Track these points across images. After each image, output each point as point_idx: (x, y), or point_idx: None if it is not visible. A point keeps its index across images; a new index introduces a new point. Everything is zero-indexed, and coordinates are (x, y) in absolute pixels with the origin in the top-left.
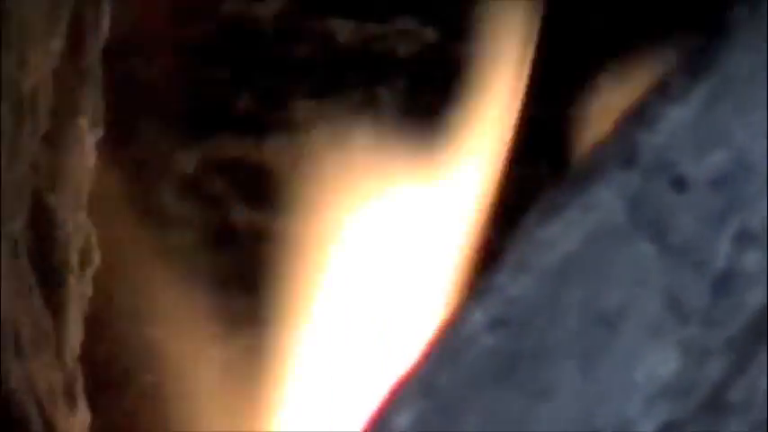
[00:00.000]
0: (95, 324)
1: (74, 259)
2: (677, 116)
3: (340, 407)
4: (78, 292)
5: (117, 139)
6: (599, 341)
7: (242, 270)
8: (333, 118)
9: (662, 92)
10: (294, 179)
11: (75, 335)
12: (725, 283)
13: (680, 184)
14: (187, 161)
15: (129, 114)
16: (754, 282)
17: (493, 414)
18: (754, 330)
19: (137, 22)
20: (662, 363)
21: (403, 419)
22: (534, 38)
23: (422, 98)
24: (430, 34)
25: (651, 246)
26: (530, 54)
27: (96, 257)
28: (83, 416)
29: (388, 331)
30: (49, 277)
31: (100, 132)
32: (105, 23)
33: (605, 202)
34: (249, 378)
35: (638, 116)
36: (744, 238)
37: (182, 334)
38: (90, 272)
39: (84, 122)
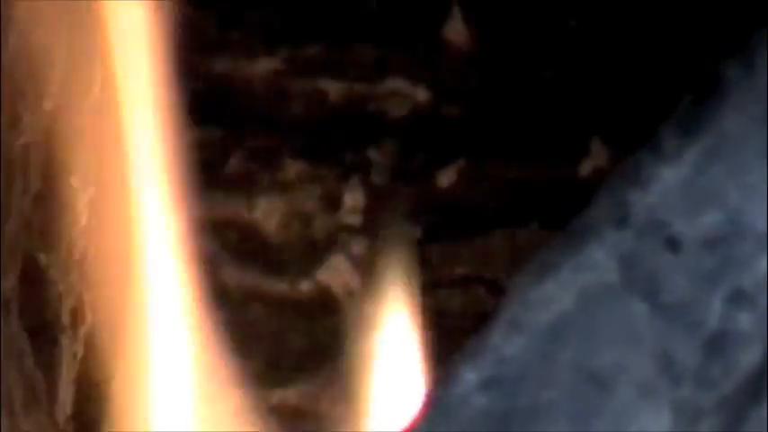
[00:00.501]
0: (87, 384)
1: (65, 319)
2: (670, 176)
3: None
4: (70, 351)
5: (108, 198)
6: (592, 401)
7: (232, 330)
8: (323, 178)
9: (655, 151)
10: (284, 239)
11: (66, 394)
12: (718, 344)
13: (673, 244)
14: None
15: (121, 172)
16: (747, 342)
17: None
18: (747, 391)
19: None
20: (654, 422)
21: None
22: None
23: (413, 160)
24: (421, 94)
25: (644, 305)
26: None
27: (88, 317)
28: None
29: (384, 390)
30: (41, 336)
31: (91, 191)
32: (96, 84)
33: (599, 261)
34: None
35: (632, 176)
36: (737, 299)
37: (172, 394)
38: (82, 331)
39: (75, 182)
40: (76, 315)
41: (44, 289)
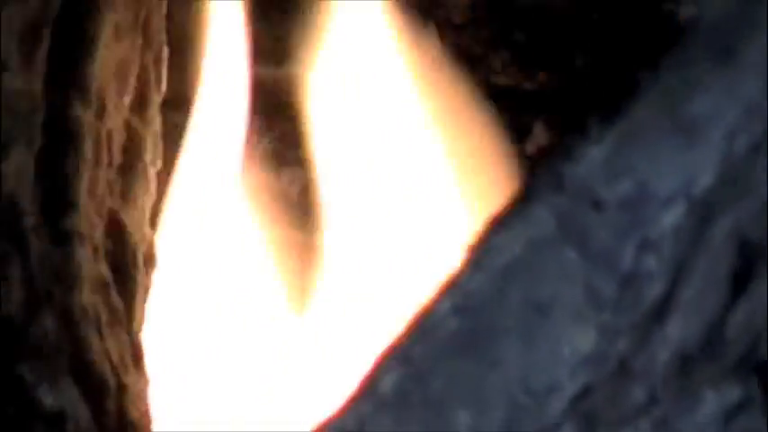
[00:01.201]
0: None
1: (140, 261)
2: (595, 153)
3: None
4: (143, 285)
5: (169, 168)
6: (535, 325)
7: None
8: None
9: (584, 134)
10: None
11: (140, 317)
12: (630, 281)
13: (597, 205)
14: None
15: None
16: (652, 279)
17: (456, 380)
18: (651, 317)
19: (186, 82)
20: (583, 340)
21: (386, 383)
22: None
23: None
24: None
25: (575, 252)
26: None
27: (157, 260)
28: (146, 379)
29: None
30: (122, 274)
31: (158, 165)
32: (163, 85)
33: (542, 218)
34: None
35: (566, 153)
36: (645, 247)
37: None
38: (152, 271)
39: (147, 158)
40: (148, 259)
41: (124, 238)
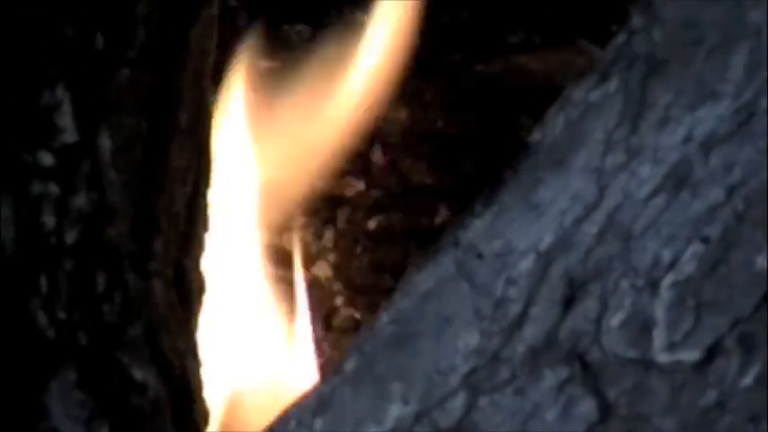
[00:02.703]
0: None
1: (195, 290)
2: (478, 224)
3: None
4: (197, 305)
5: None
6: (442, 330)
7: None
8: None
9: (472, 212)
10: None
11: (196, 325)
12: (500, 303)
13: (480, 256)
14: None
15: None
16: (513, 302)
17: (392, 364)
18: (513, 325)
19: None
20: (471, 339)
21: (348, 366)
22: None
23: None
24: None
25: (466, 285)
26: None
27: (205, 290)
28: (199, 363)
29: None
30: (183, 299)
31: (208, 225)
32: (211, 181)
33: (445, 264)
34: None
35: (461, 224)
36: (509, 282)
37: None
38: (202, 296)
39: (200, 227)
40: (199, 289)
41: (185, 276)
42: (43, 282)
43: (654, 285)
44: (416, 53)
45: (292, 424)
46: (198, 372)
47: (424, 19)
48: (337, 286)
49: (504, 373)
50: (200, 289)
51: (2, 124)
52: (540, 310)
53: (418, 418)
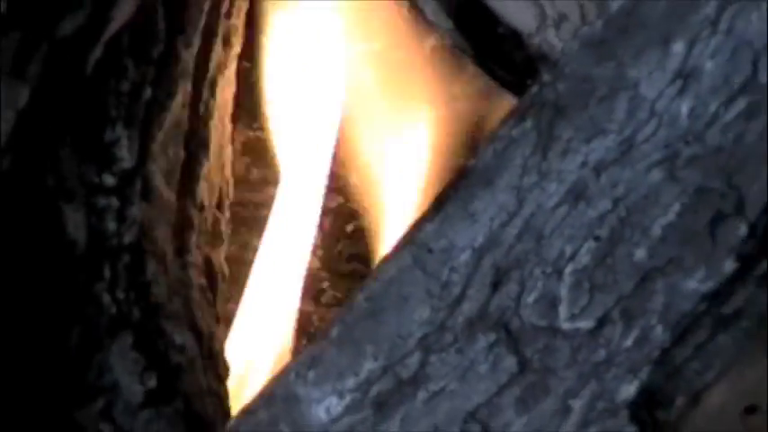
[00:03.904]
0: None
1: (220, 278)
2: (430, 227)
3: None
4: (222, 288)
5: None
6: (402, 305)
7: None
8: None
9: (424, 218)
10: None
11: (222, 303)
12: (446, 285)
13: (430, 251)
14: None
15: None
16: (455, 285)
17: (366, 332)
18: (455, 302)
19: None
20: (424, 313)
21: (332, 333)
22: None
23: None
24: None
25: (420, 272)
26: None
27: (226, 277)
28: (225, 332)
29: None
30: (211, 283)
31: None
32: (231, 191)
33: (404, 257)
34: None
35: (417, 226)
36: (452, 270)
37: None
38: (225, 280)
39: (223, 229)
40: (223, 277)
41: (212, 267)
42: (106, 271)
43: (559, 272)
44: None
45: (292, 375)
46: (221, 338)
47: None
48: (324, 274)
49: (448, 337)
50: (222, 276)
51: (77, 155)
52: (474, 291)
53: (385, 370)
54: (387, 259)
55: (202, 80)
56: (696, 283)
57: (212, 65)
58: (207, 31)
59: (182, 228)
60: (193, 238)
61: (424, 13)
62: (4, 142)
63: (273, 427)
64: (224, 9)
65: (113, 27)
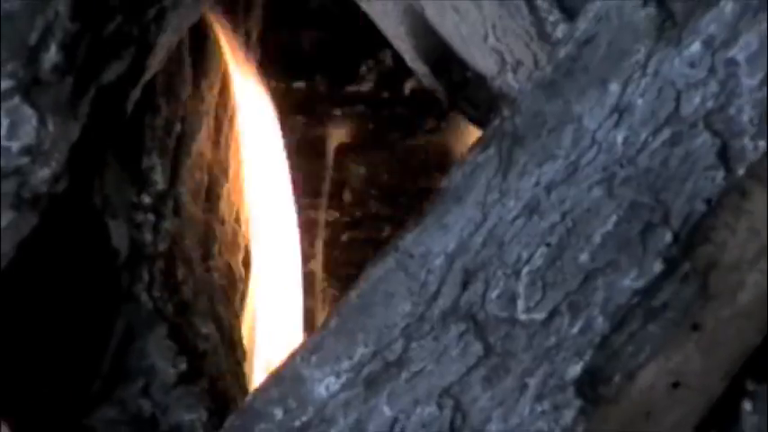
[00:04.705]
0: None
1: (238, 278)
2: (410, 236)
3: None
4: (241, 288)
5: None
6: (388, 301)
7: None
8: None
9: (405, 229)
10: None
11: (241, 297)
12: (424, 287)
13: (411, 256)
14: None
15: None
16: (433, 285)
17: (359, 322)
18: (432, 297)
19: None
20: (406, 306)
21: (331, 324)
22: None
23: None
24: None
25: (403, 274)
26: None
27: (244, 280)
28: (241, 320)
29: None
30: (230, 283)
31: (247, 236)
32: (247, 206)
33: (389, 261)
34: None
35: (400, 236)
36: (429, 272)
37: None
38: (242, 281)
39: (242, 239)
40: (240, 279)
41: (231, 269)
42: (144, 274)
43: (517, 273)
44: (371, 133)
45: (297, 359)
46: (239, 328)
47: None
48: (324, 276)
49: (426, 327)
50: (240, 278)
51: (119, 179)
52: (447, 289)
53: (374, 355)
54: (374, 263)
55: (223, 117)
56: (630, 281)
57: (231, 104)
58: (225, 75)
59: (206, 238)
60: (216, 247)
61: (405, 60)
62: (61, 170)
63: (282, 403)
64: (240, 56)
65: (149, 73)
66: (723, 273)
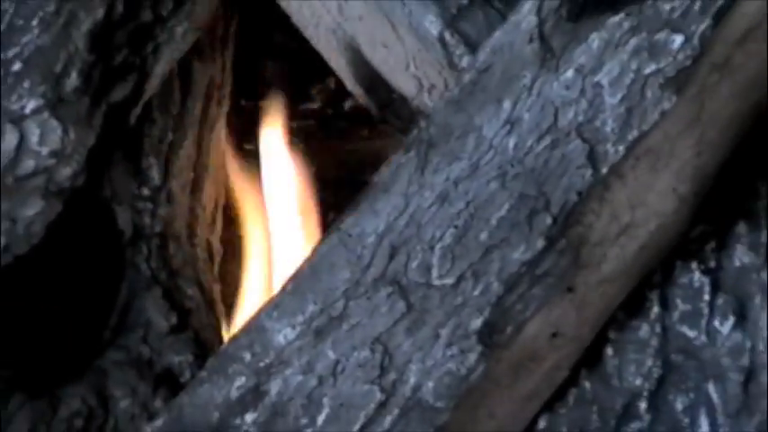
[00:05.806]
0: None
1: (216, 253)
2: (349, 219)
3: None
4: (217, 261)
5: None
6: (332, 270)
7: None
8: None
9: (345, 213)
10: None
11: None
12: (360, 258)
13: (349, 235)
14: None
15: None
16: (367, 257)
17: (310, 287)
18: (366, 267)
19: None
20: (346, 274)
21: (289, 286)
22: None
23: None
24: None
25: (344, 248)
26: None
27: (219, 254)
28: (218, 287)
29: None
30: (211, 256)
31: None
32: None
33: (333, 238)
34: None
35: (340, 218)
36: (364, 248)
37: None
38: (219, 254)
39: (221, 216)
40: (216, 252)
41: (211, 248)
42: (144, 249)
43: (432, 248)
44: (319, 140)
45: (262, 315)
46: (217, 291)
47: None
48: None
49: (361, 290)
50: (217, 252)
51: (125, 175)
52: (378, 260)
53: (321, 311)
54: (321, 240)
55: (204, 127)
56: (519, 255)
57: (211, 117)
58: (207, 95)
59: (191, 221)
60: (199, 228)
61: (345, 84)
62: (80, 169)
63: (250, 348)
64: (218, 81)
65: (147, 94)
66: (591, 248)
